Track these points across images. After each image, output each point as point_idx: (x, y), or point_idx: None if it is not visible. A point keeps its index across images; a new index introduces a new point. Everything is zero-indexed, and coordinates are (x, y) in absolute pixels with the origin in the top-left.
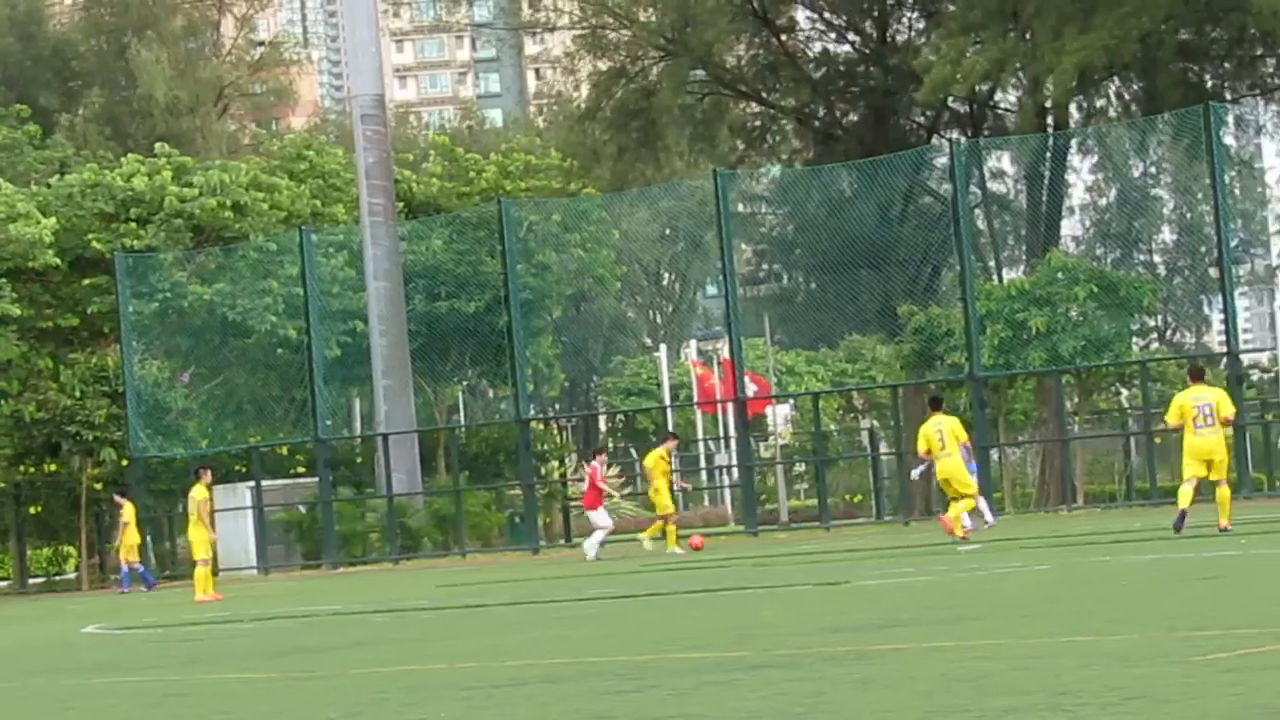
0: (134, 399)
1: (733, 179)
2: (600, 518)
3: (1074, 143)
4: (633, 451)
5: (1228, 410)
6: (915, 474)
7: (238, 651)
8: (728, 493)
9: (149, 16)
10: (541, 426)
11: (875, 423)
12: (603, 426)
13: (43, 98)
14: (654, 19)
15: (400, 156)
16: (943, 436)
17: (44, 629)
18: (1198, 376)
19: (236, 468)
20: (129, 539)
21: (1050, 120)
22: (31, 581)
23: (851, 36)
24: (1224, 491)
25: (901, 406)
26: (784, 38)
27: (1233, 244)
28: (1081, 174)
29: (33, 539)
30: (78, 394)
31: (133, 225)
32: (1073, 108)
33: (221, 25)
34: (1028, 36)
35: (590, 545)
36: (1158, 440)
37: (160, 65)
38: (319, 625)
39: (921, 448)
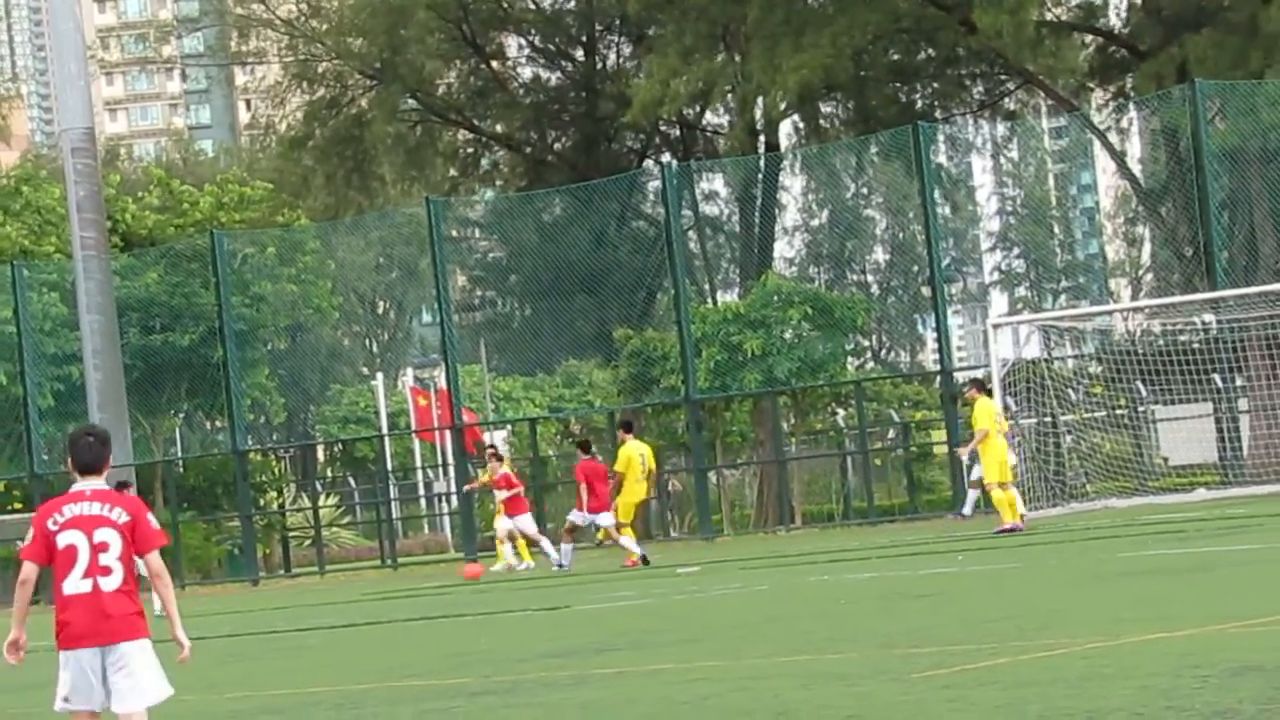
0: None
1: (446, 206)
2: None
3: (786, 164)
4: (351, 480)
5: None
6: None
7: None
8: (447, 520)
9: None
10: (259, 457)
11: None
12: (321, 456)
13: None
14: (363, 47)
15: (119, 198)
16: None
17: None
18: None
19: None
20: None
21: (762, 141)
22: None
23: (562, 63)
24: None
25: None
26: (494, 64)
27: (944, 263)
28: (794, 195)
29: None
30: None
31: None
32: (784, 128)
33: None
34: (737, 58)
35: None
36: (877, 461)
37: None
38: (35, 661)
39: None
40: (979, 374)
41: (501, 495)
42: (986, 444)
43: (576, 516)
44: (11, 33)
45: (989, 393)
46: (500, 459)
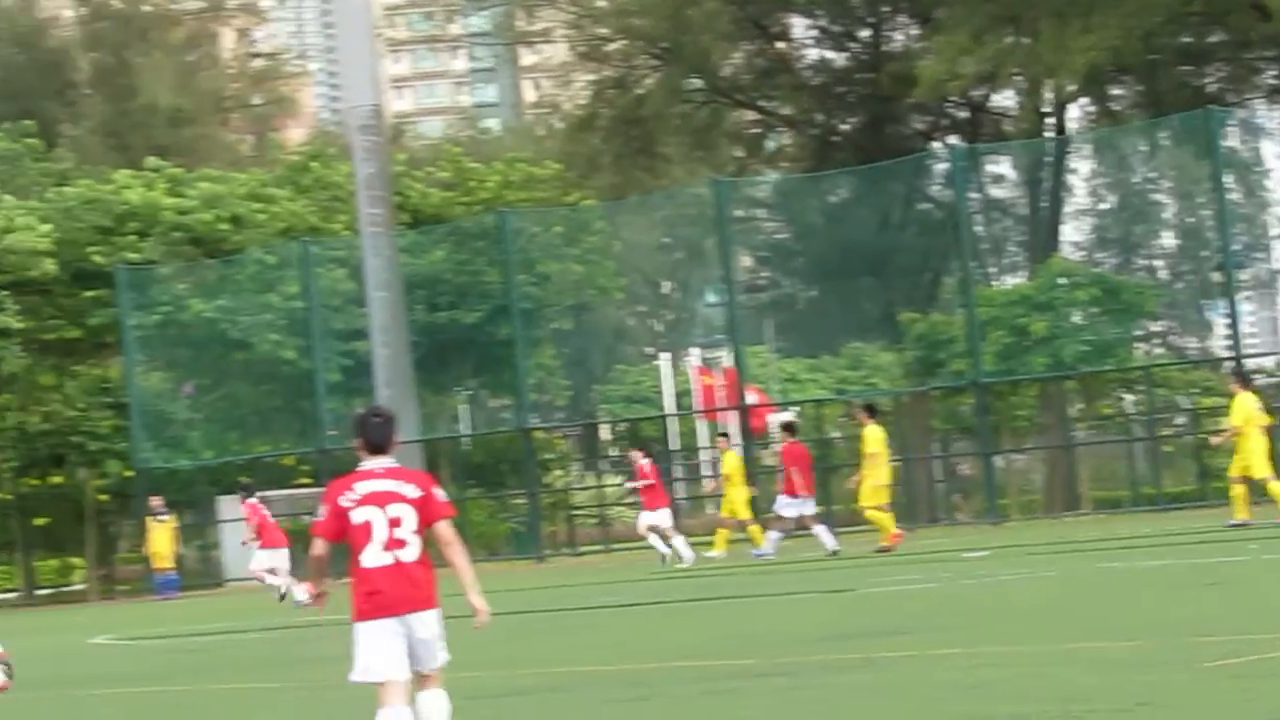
0: (137, 410)
1: (732, 187)
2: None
3: (1074, 147)
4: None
5: None
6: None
7: (245, 662)
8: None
9: (149, 28)
10: (544, 435)
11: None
12: (606, 435)
13: (45, 110)
14: (648, 26)
15: (407, 174)
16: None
17: (52, 640)
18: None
19: (240, 479)
20: (162, 547)
21: (1051, 124)
22: (38, 593)
23: (847, 44)
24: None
25: (905, 413)
26: (779, 46)
27: (1235, 248)
28: (1082, 178)
29: (39, 550)
30: (81, 406)
31: (132, 238)
32: (1073, 111)
33: (221, 38)
34: (1026, 40)
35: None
36: (1167, 448)
37: (163, 74)
38: (325, 635)
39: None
40: (1268, 363)
41: (638, 485)
42: (1245, 439)
43: (785, 506)
44: (300, 10)
45: (1252, 387)
46: (647, 452)
